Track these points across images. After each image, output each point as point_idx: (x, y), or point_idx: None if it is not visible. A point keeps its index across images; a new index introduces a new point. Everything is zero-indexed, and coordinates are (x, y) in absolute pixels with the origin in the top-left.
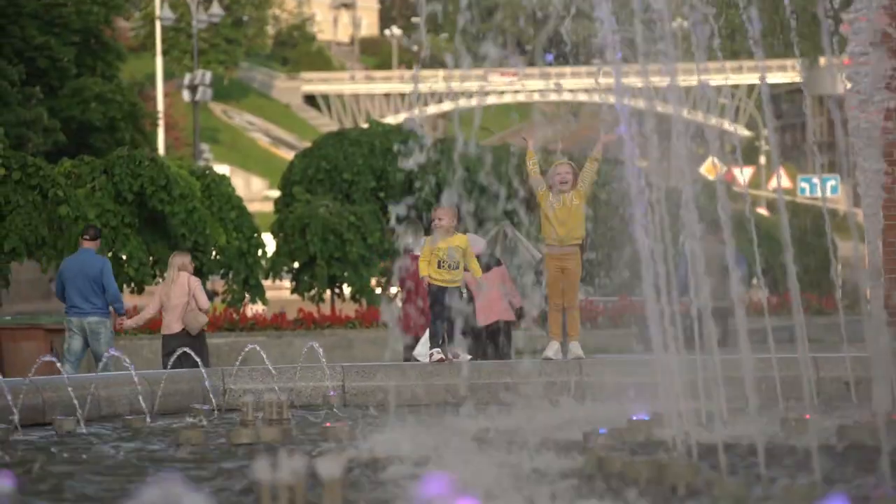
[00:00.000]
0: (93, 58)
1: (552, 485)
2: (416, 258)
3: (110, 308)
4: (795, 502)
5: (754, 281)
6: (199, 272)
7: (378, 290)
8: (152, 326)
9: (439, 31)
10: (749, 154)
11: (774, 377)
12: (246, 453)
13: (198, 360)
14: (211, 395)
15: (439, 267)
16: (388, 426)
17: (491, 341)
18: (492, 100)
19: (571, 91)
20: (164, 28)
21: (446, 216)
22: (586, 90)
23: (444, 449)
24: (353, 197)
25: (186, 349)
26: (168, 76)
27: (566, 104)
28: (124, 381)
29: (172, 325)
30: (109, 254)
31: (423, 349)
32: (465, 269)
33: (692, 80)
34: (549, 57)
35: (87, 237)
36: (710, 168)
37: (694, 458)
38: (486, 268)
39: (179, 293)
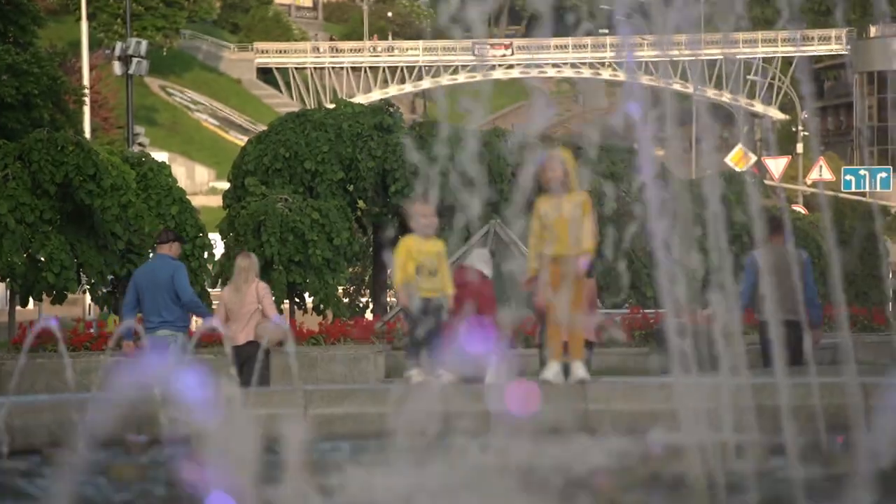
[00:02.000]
0: (3, 22)
1: None
2: (464, 271)
3: (194, 319)
4: None
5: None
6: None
7: (346, 300)
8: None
9: None
10: (784, 141)
11: (815, 405)
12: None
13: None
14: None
15: (417, 273)
16: (361, 463)
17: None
18: (480, 76)
19: (574, 66)
20: None
21: (432, 214)
22: (592, 65)
23: (432, 491)
24: (317, 190)
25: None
26: (95, 45)
27: (568, 81)
28: (44, 407)
29: (238, 337)
30: (25, 255)
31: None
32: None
33: (716, 53)
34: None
35: (160, 241)
36: (738, 157)
37: (720, 498)
38: None
39: (251, 300)
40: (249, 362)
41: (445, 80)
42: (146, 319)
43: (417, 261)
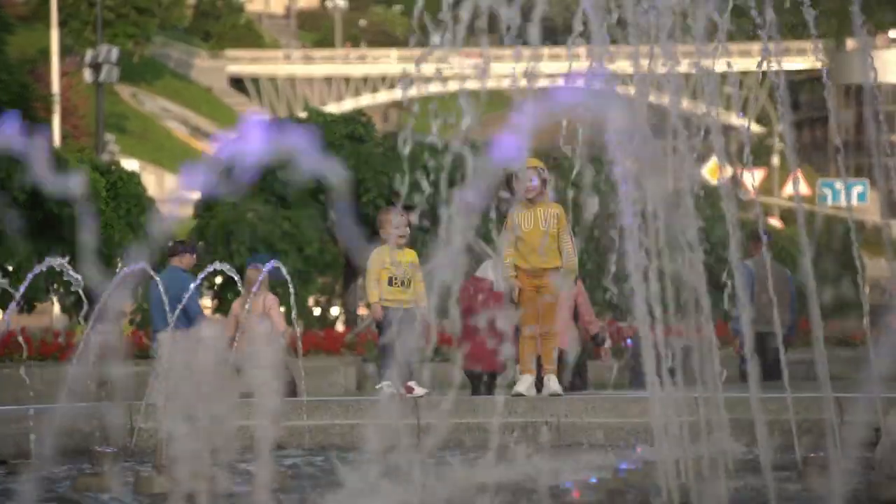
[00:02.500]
0: None
1: None
2: (478, 282)
3: None
4: None
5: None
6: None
7: (317, 311)
8: None
9: (391, 4)
10: (760, 154)
11: (790, 420)
12: None
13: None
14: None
15: (390, 284)
16: (336, 476)
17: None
18: (454, 85)
19: (550, 76)
20: None
21: (404, 224)
22: (566, 76)
23: None
24: (288, 200)
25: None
26: (66, 52)
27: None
28: (11, 418)
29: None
30: None
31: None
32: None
33: (691, 65)
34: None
35: (171, 252)
36: (713, 170)
37: None
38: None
39: (258, 312)
40: None
41: (416, 90)
42: (154, 330)
43: (391, 272)
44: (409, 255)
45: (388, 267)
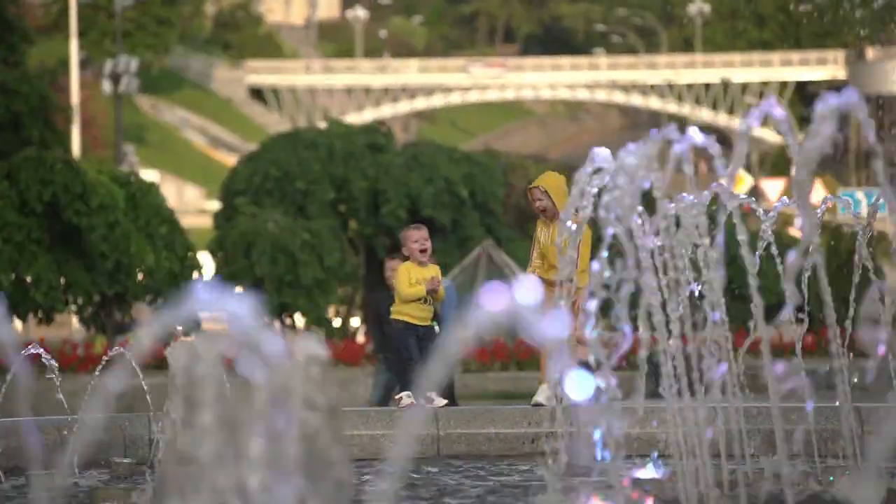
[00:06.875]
0: None
1: None
2: None
3: None
4: None
5: (785, 315)
6: (122, 298)
7: (336, 321)
8: None
9: (411, 14)
10: (780, 164)
11: (810, 430)
12: None
13: None
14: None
15: (415, 301)
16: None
17: None
18: (474, 96)
19: (570, 87)
20: (80, 5)
21: (425, 239)
22: (588, 86)
23: None
24: (308, 210)
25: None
26: (85, 63)
27: (563, 103)
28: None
29: None
30: (13, 275)
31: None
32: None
33: (713, 76)
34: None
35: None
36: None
37: None
38: None
39: None
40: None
41: (439, 99)
42: None
43: (419, 292)
44: (433, 270)
45: (413, 284)
